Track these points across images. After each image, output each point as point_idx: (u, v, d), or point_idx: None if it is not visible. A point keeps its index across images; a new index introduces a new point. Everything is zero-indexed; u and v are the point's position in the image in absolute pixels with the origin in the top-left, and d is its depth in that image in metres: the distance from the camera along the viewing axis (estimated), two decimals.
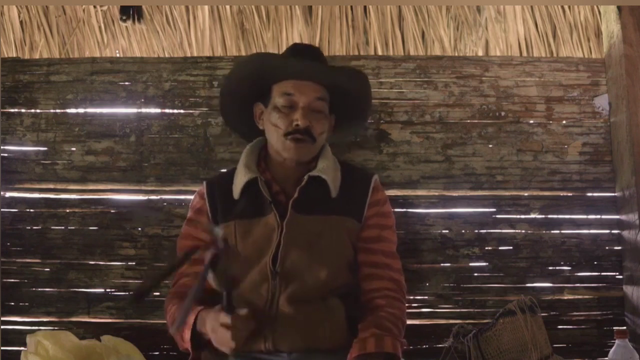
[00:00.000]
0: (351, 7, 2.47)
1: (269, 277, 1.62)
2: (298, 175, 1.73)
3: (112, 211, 2.22)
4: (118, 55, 2.53)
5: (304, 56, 1.72)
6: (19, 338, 2.09)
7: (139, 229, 2.20)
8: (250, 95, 1.79)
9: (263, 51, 2.45)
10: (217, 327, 1.50)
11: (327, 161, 1.76)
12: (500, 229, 2.19)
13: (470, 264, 2.18)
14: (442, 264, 2.17)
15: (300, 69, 1.69)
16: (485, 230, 2.19)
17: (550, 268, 2.18)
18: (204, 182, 1.81)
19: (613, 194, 2.21)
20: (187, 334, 1.59)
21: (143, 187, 2.22)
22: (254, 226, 1.66)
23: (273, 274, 1.62)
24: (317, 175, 1.71)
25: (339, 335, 1.61)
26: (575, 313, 2.16)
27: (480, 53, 2.49)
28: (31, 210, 2.23)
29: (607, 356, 1.72)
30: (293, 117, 1.68)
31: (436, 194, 2.22)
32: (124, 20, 2.23)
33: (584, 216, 2.20)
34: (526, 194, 2.21)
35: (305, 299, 1.61)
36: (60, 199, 2.23)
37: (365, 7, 2.48)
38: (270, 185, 1.72)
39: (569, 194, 2.22)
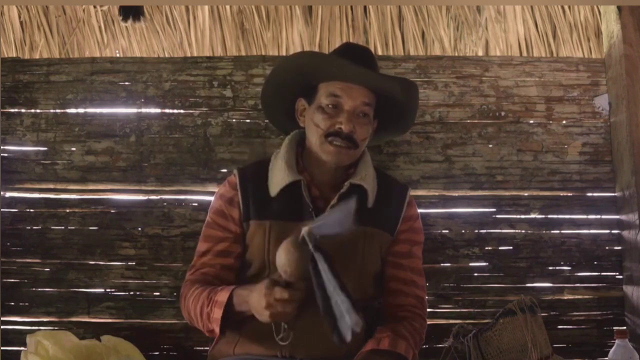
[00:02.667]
0: (351, 7, 2.47)
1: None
2: (336, 178, 1.70)
3: (112, 211, 2.22)
4: (118, 55, 2.53)
5: (356, 59, 1.65)
6: (19, 338, 2.08)
7: (139, 229, 2.19)
8: (294, 90, 1.74)
9: (264, 53, 2.44)
10: (272, 302, 1.42)
11: (368, 169, 1.73)
12: (500, 229, 2.20)
13: (470, 264, 2.18)
14: (442, 264, 2.17)
15: (351, 72, 1.64)
16: (485, 230, 2.19)
17: (550, 268, 2.18)
18: (236, 172, 1.75)
19: (613, 194, 2.21)
20: (218, 313, 1.54)
21: (143, 187, 2.22)
22: (289, 230, 1.58)
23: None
24: (358, 184, 1.68)
25: (356, 346, 1.56)
26: (575, 313, 2.16)
27: (480, 53, 2.49)
28: (31, 210, 2.23)
29: (607, 356, 1.72)
30: (337, 119, 1.63)
31: (436, 194, 2.22)
32: (124, 20, 2.23)
33: (584, 216, 2.20)
34: (526, 194, 2.21)
35: None
36: (60, 199, 2.23)
37: (365, 7, 2.48)
38: (310, 189, 1.68)
39: (569, 194, 2.22)
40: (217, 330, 1.57)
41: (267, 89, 1.84)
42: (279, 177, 1.68)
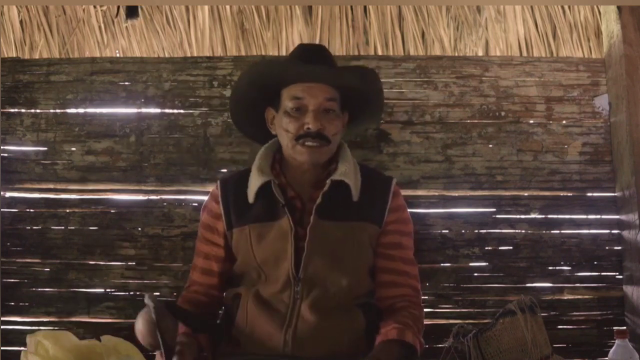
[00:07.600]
0: (351, 7, 2.47)
1: (292, 283, 1.61)
2: (316, 178, 1.72)
3: (112, 211, 2.22)
4: (118, 55, 2.53)
5: (311, 58, 1.69)
6: (19, 338, 2.09)
7: (139, 229, 2.19)
8: (260, 101, 1.77)
9: (264, 53, 2.45)
10: None
11: (348, 163, 1.73)
12: (500, 229, 2.19)
13: (470, 264, 2.18)
14: (442, 264, 2.17)
15: (308, 72, 1.67)
16: (485, 230, 2.19)
17: (550, 268, 2.18)
18: (218, 184, 1.78)
19: (613, 194, 2.21)
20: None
21: (143, 187, 2.22)
22: (267, 230, 1.65)
23: (296, 280, 1.61)
24: (339, 180, 1.69)
25: (358, 343, 1.59)
26: (575, 313, 2.16)
27: (480, 53, 2.49)
28: (31, 210, 2.23)
29: (607, 356, 1.72)
30: (304, 120, 1.66)
31: (436, 194, 2.22)
32: (125, 21, 2.23)
33: (584, 216, 2.20)
34: (526, 194, 2.21)
35: (328, 307, 1.60)
36: (60, 199, 2.23)
37: (365, 7, 2.48)
38: (284, 190, 1.69)
39: (569, 194, 2.22)
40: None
41: (233, 105, 1.85)
42: (252, 182, 1.71)
